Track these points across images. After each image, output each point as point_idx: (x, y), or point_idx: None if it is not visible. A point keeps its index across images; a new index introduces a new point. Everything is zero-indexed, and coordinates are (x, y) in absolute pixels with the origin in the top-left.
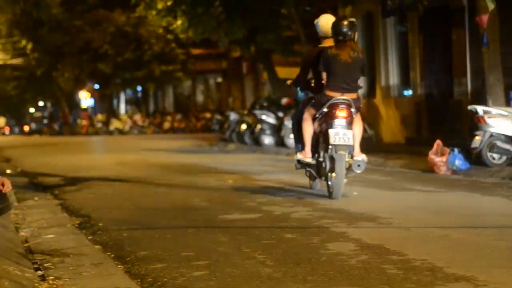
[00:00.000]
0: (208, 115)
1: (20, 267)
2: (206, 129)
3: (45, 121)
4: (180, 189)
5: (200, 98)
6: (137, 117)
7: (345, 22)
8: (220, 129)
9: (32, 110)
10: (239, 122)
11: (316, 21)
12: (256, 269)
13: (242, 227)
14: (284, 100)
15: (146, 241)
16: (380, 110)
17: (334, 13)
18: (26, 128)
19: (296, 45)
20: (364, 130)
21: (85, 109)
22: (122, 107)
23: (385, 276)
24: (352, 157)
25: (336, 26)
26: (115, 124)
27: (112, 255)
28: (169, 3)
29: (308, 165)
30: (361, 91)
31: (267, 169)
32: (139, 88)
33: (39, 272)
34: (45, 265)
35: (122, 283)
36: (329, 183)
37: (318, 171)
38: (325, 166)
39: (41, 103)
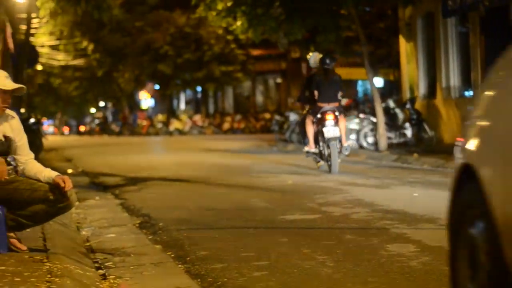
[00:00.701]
0: (267, 115)
1: (82, 266)
2: (266, 130)
3: (97, 121)
4: (239, 190)
5: (259, 98)
6: (197, 118)
7: (328, 58)
8: (279, 129)
9: (93, 110)
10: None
11: (308, 56)
12: (316, 270)
13: (302, 227)
14: (344, 101)
15: (206, 241)
16: (440, 111)
17: (394, 13)
18: (82, 128)
19: (356, 46)
20: (424, 131)
21: (145, 110)
22: (182, 108)
23: (446, 278)
24: (341, 145)
25: (323, 59)
26: (175, 124)
27: (172, 255)
28: (229, 4)
29: (313, 153)
30: (343, 101)
31: (326, 169)
32: (199, 88)
33: (100, 271)
34: (106, 264)
35: (182, 282)
36: (328, 163)
37: (320, 156)
38: (324, 152)
39: (102, 104)
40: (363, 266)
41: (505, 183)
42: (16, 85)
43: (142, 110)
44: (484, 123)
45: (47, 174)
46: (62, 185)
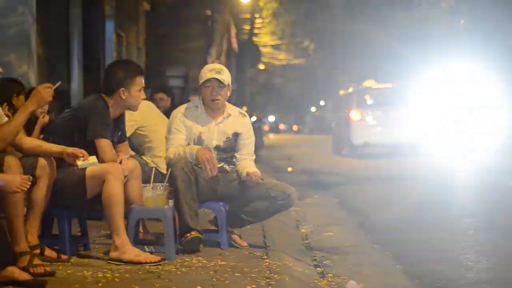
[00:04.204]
0: None
1: (300, 263)
2: None
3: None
4: (465, 191)
5: None
6: None
7: None
8: None
9: (313, 109)
10: None
11: None
12: None
13: None
14: None
15: (425, 241)
16: None
17: None
18: (295, 128)
19: None
20: None
21: None
22: None
23: None
24: None
25: None
26: None
27: (391, 255)
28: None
29: None
30: None
31: None
32: None
33: (318, 269)
34: (324, 262)
35: (400, 283)
36: None
37: None
38: None
39: (322, 103)
40: None
41: None
42: (208, 76)
43: None
44: None
45: (246, 171)
46: (254, 178)
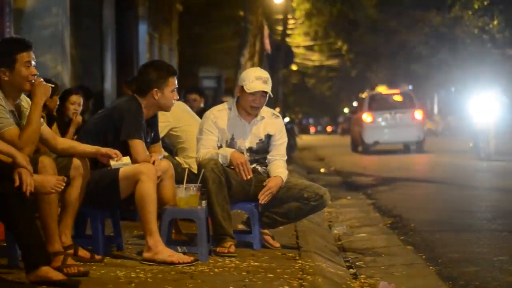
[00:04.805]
0: None
1: (333, 265)
2: None
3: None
4: (497, 192)
5: None
6: (450, 118)
7: None
8: None
9: (346, 110)
10: None
11: None
12: None
13: None
14: None
15: (458, 243)
16: None
17: None
18: (328, 128)
19: None
20: None
21: None
22: (435, 108)
23: None
24: None
25: None
26: (428, 125)
27: (424, 256)
28: (486, 3)
29: None
30: None
31: None
32: (452, 89)
33: (351, 270)
34: (357, 263)
35: (433, 284)
36: None
37: None
38: None
39: (355, 104)
40: None
41: None
42: (262, 88)
43: None
44: None
45: (275, 173)
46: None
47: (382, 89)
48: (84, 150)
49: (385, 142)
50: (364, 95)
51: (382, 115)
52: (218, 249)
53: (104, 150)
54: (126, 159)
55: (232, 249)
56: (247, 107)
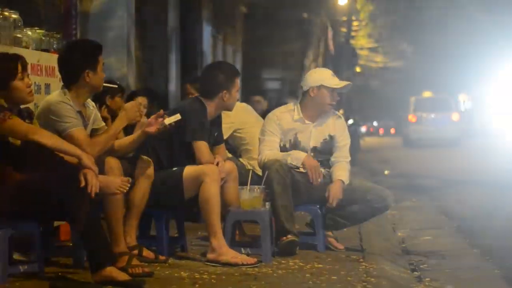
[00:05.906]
0: None
1: (397, 267)
2: None
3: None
4: None
5: None
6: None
7: None
8: None
9: None
10: None
11: None
12: None
13: None
14: None
15: None
16: None
17: None
18: (392, 131)
19: None
20: None
21: None
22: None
23: None
24: None
25: None
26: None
27: (490, 260)
28: None
29: None
30: None
31: None
32: None
33: (416, 273)
34: (422, 266)
35: None
36: None
37: None
38: None
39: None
40: None
41: None
42: (345, 83)
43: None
44: None
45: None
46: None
47: (427, 94)
48: (130, 138)
49: (426, 139)
50: (412, 99)
51: (424, 116)
52: (279, 241)
53: (151, 118)
54: (176, 116)
55: (292, 237)
56: (325, 105)
